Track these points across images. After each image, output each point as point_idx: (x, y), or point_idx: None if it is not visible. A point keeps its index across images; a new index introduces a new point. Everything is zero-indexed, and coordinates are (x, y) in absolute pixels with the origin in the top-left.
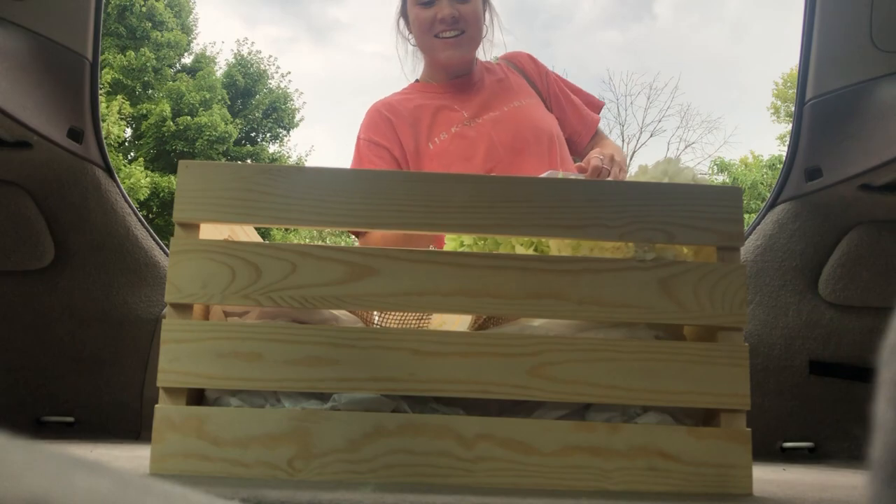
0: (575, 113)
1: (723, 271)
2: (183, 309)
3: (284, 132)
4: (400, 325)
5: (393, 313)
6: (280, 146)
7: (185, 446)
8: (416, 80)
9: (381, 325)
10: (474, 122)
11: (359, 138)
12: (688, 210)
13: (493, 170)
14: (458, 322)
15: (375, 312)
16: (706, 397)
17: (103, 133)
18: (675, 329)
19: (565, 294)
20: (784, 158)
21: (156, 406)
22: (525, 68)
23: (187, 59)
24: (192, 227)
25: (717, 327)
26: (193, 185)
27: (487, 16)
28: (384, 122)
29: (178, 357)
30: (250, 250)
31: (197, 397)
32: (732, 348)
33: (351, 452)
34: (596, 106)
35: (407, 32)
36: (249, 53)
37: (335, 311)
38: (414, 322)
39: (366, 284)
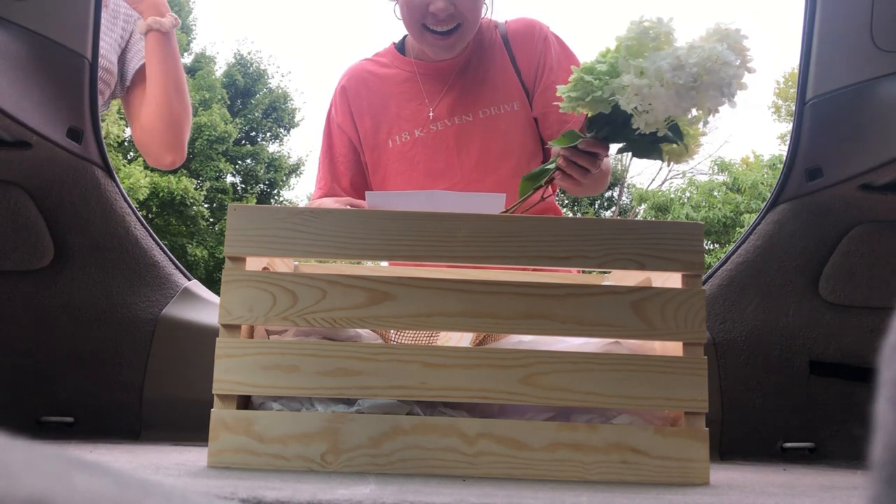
0: (557, 119)
1: (686, 295)
2: (233, 329)
3: (284, 132)
4: (413, 342)
5: (407, 332)
6: (280, 146)
7: (236, 443)
8: (395, 45)
9: (397, 342)
10: (441, 123)
11: (329, 115)
12: (657, 243)
13: (451, 189)
14: (462, 339)
15: (392, 331)
16: (671, 402)
17: (103, 133)
18: (645, 344)
19: (552, 315)
20: (784, 158)
21: (211, 410)
22: (520, 56)
23: (187, 59)
24: (240, 261)
25: (681, 342)
26: (240, 225)
27: None
28: (346, 109)
29: (230, 369)
30: (288, 279)
31: (245, 402)
32: (693, 360)
33: (373, 448)
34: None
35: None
36: (249, 53)
37: (359, 330)
38: (424, 339)
39: (384, 307)
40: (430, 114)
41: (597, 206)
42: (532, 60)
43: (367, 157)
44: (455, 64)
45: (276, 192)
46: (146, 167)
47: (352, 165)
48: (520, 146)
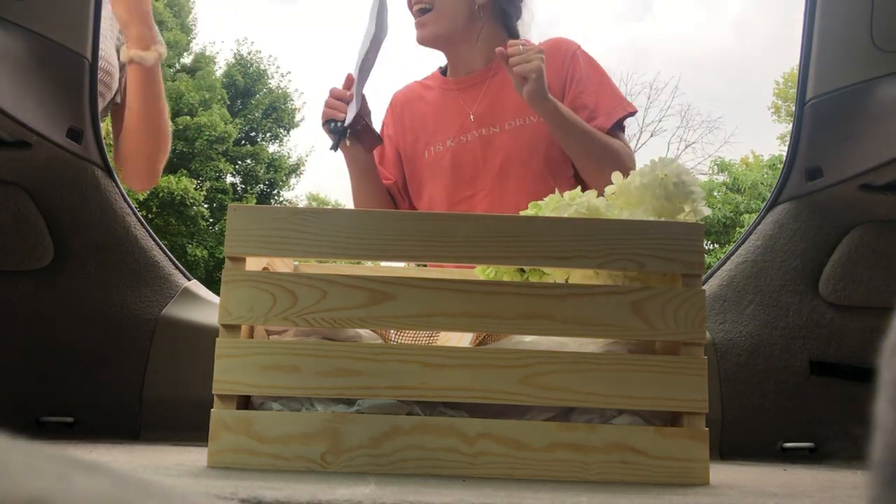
0: None
1: (686, 295)
2: (233, 329)
3: (284, 132)
4: (413, 342)
5: (407, 332)
6: (280, 146)
7: (236, 443)
8: (440, 69)
9: (397, 342)
10: (470, 135)
11: (382, 124)
12: (657, 243)
13: (476, 194)
14: (462, 339)
15: (392, 331)
16: (671, 402)
17: (102, 133)
18: (645, 344)
19: (552, 315)
20: (784, 158)
21: (211, 410)
22: (547, 70)
23: (187, 59)
24: (240, 261)
25: (681, 343)
26: (240, 225)
27: None
28: (391, 122)
29: (229, 369)
30: (288, 279)
31: (245, 403)
32: (693, 361)
33: (373, 448)
34: (609, 115)
35: None
36: (249, 53)
37: (359, 330)
38: (425, 339)
39: (384, 308)
40: (463, 125)
41: None
42: (559, 74)
43: (406, 167)
44: (485, 76)
45: (276, 192)
46: None
47: (396, 168)
48: (543, 156)
